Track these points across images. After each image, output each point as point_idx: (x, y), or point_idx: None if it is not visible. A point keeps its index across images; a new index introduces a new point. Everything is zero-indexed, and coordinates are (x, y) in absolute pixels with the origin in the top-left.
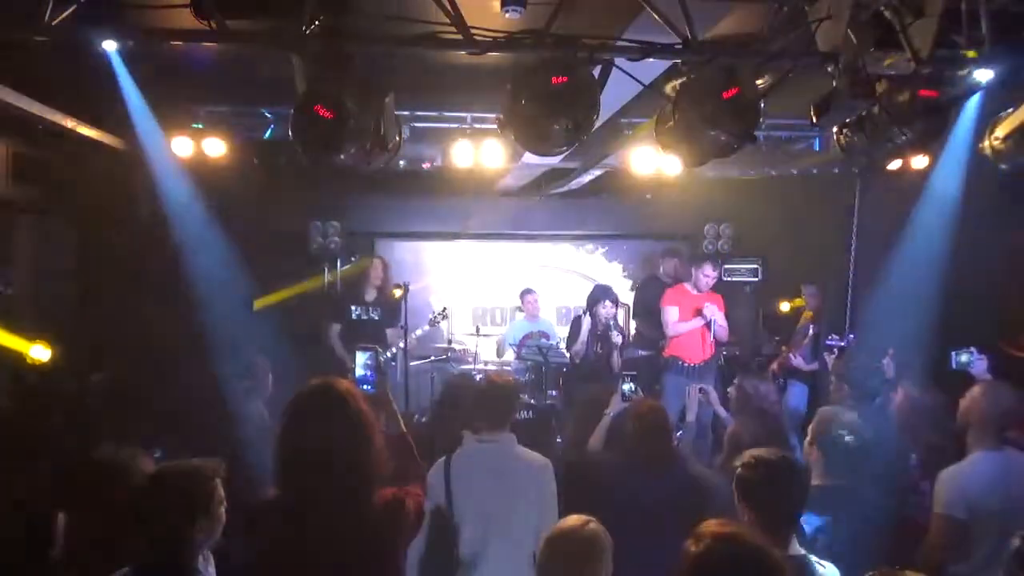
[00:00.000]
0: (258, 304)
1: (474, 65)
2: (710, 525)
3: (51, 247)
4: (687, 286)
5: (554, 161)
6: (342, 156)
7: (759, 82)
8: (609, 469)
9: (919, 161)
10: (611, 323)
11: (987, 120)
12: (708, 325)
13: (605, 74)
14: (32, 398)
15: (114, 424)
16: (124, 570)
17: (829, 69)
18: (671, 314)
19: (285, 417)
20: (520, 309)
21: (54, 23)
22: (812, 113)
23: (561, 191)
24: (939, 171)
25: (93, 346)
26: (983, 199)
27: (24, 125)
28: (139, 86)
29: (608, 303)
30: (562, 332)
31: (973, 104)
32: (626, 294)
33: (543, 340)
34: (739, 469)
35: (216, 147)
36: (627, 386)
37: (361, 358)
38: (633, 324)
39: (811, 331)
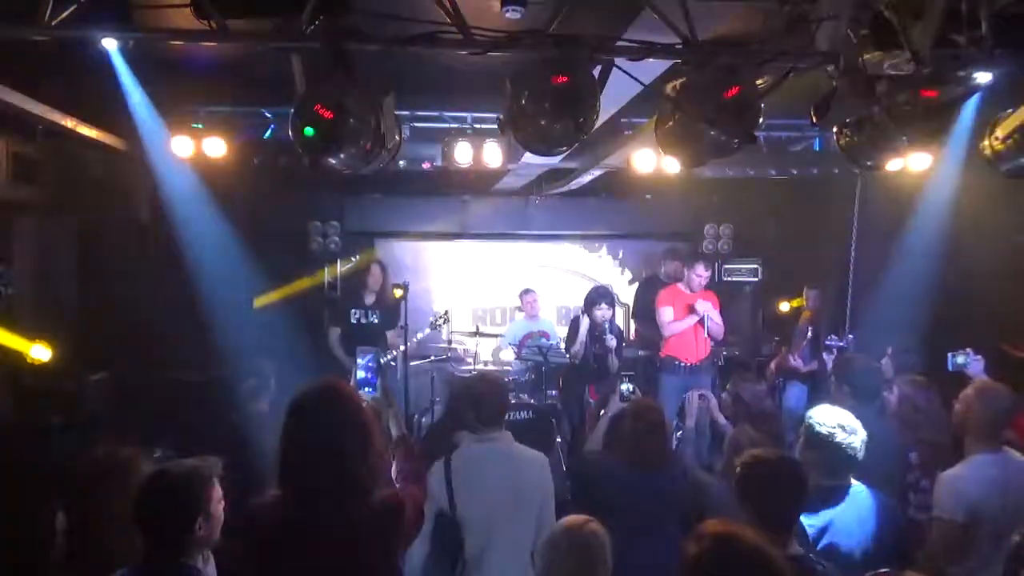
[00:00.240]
0: (258, 302)
1: (474, 65)
2: (710, 525)
3: (51, 247)
4: (680, 286)
5: (554, 161)
6: (342, 156)
7: (759, 82)
8: (607, 469)
9: (919, 161)
10: (606, 326)
11: (987, 120)
12: (701, 322)
13: (605, 74)
14: (32, 398)
15: (114, 424)
16: (124, 570)
17: (829, 69)
18: (665, 314)
19: (286, 418)
20: (520, 309)
21: (54, 23)
22: (812, 113)
23: (561, 191)
24: (939, 171)
25: (93, 346)
26: (983, 199)
27: (24, 125)
28: (139, 86)
29: (604, 306)
30: (562, 332)
31: (972, 104)
32: (626, 294)
33: (543, 340)
34: (739, 469)
35: (216, 147)
36: (625, 386)
37: (362, 360)
38: (633, 325)
39: (809, 332)
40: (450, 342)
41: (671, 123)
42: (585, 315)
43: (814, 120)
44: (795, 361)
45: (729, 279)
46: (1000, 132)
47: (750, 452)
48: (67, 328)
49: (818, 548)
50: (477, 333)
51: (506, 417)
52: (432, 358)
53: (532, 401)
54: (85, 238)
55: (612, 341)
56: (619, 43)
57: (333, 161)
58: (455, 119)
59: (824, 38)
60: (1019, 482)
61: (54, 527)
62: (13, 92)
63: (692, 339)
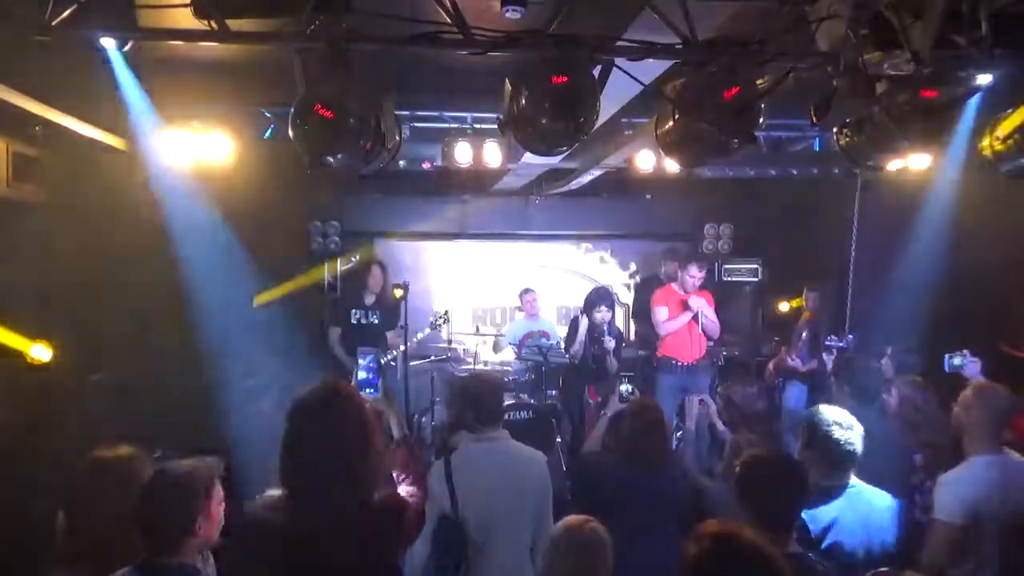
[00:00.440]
0: (258, 300)
1: (474, 65)
2: (710, 525)
3: (51, 247)
4: (674, 286)
5: (554, 161)
6: (342, 156)
7: (759, 82)
8: (607, 469)
9: (919, 161)
10: (605, 328)
11: (987, 121)
12: (696, 319)
13: (605, 74)
14: (32, 398)
15: (114, 424)
16: (124, 570)
17: (829, 69)
18: (660, 313)
19: (287, 418)
20: (520, 309)
21: (54, 23)
22: (812, 113)
23: (561, 191)
24: (939, 172)
25: (93, 346)
26: (983, 200)
27: (24, 125)
28: (139, 85)
29: (604, 308)
30: (562, 332)
31: (973, 105)
32: (626, 294)
33: (543, 340)
34: (738, 468)
35: (216, 147)
36: (624, 387)
37: (363, 361)
38: (633, 325)
39: (805, 333)
40: (450, 342)
41: (671, 123)
42: (584, 316)
43: (814, 120)
44: (793, 361)
45: (729, 279)
46: (1000, 132)
47: (749, 452)
48: (67, 328)
49: (821, 547)
50: (477, 333)
51: (506, 417)
52: (432, 358)
53: (532, 401)
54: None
55: (610, 343)
56: (619, 43)
57: (333, 161)
58: (455, 119)
59: (824, 38)
60: (1019, 483)
61: (54, 527)
62: (13, 92)
63: (688, 339)
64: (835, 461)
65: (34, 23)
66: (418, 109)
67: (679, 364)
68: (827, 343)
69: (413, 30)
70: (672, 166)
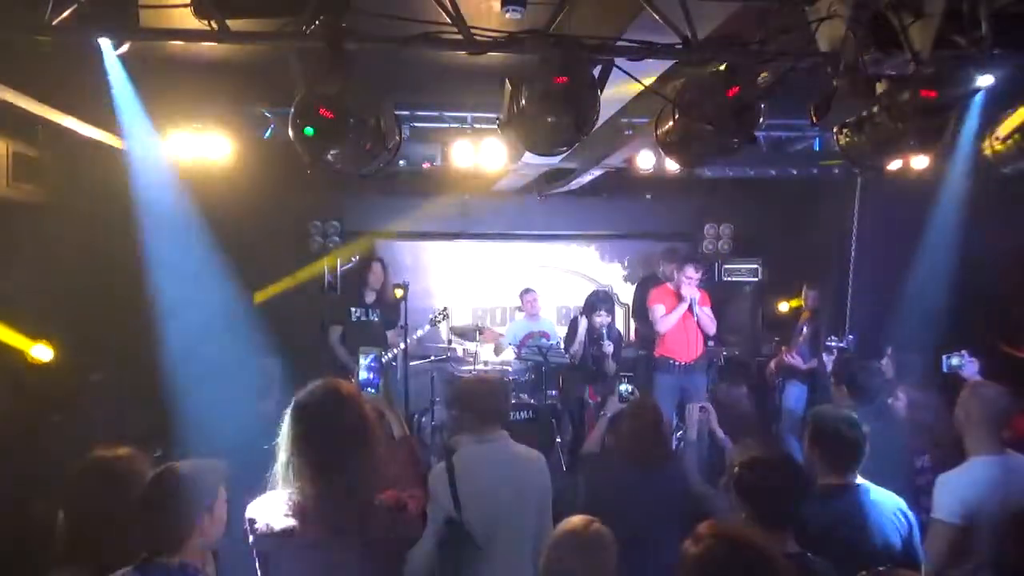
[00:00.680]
0: (258, 297)
1: (474, 65)
2: (710, 525)
3: (51, 247)
4: (670, 286)
5: (554, 161)
6: (342, 156)
7: (759, 81)
8: (607, 469)
9: (919, 162)
10: (604, 331)
11: (988, 121)
12: (692, 310)
13: (605, 74)
14: (32, 398)
15: (114, 424)
16: (124, 570)
17: (829, 69)
18: (657, 310)
19: (288, 418)
20: (520, 309)
21: (54, 23)
22: (812, 113)
23: (561, 191)
24: (939, 172)
25: (93, 346)
26: (983, 200)
27: (24, 125)
28: (139, 86)
29: (603, 312)
30: (562, 332)
31: (974, 105)
32: (626, 294)
33: (543, 340)
34: (737, 468)
35: (216, 147)
36: (624, 387)
37: (364, 360)
38: (633, 324)
39: (804, 330)
40: (450, 342)
41: (671, 123)
42: (583, 316)
43: (814, 120)
44: (793, 359)
45: (729, 279)
46: (1001, 133)
47: (748, 453)
48: (67, 328)
49: (824, 546)
50: (477, 329)
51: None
52: (432, 358)
53: (532, 401)
54: (85, 238)
55: (609, 347)
56: (619, 43)
57: (333, 161)
58: (455, 119)
59: (824, 38)
60: (1020, 483)
61: (54, 527)
62: (13, 92)
63: (686, 337)
64: (841, 459)
65: (34, 23)
66: (418, 109)
67: (677, 364)
68: (827, 343)
69: (413, 30)
70: (672, 166)
